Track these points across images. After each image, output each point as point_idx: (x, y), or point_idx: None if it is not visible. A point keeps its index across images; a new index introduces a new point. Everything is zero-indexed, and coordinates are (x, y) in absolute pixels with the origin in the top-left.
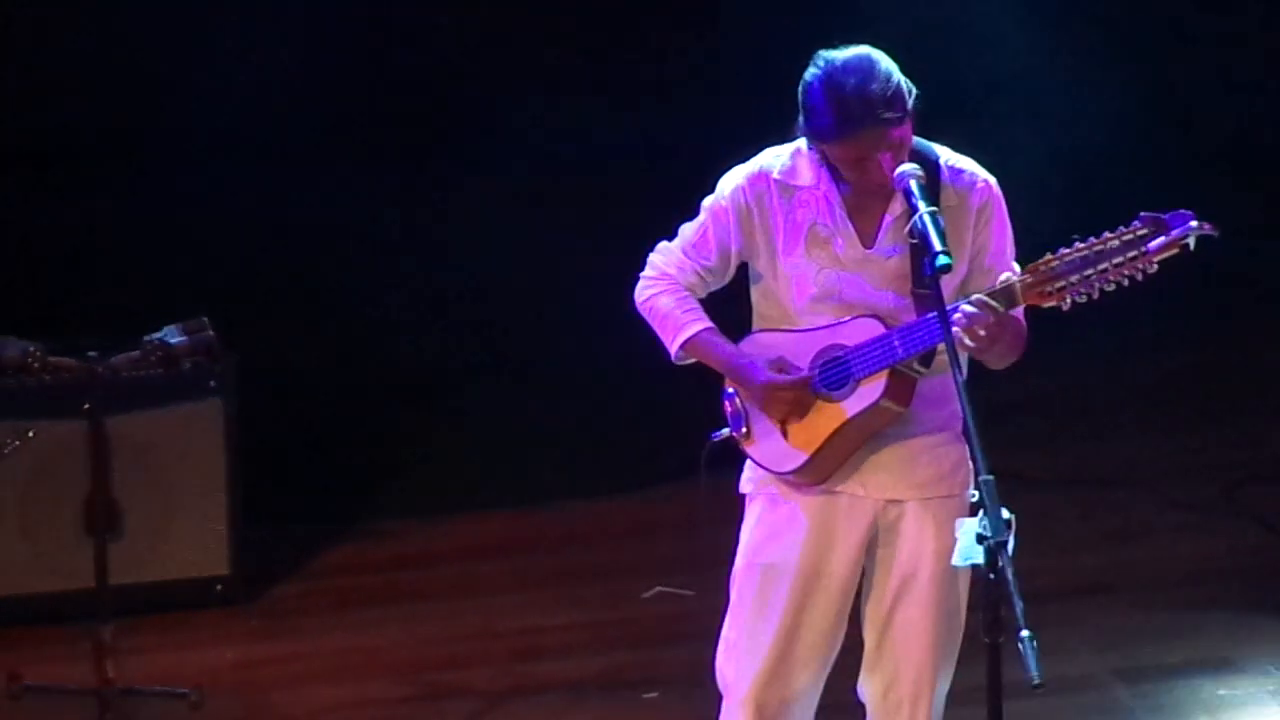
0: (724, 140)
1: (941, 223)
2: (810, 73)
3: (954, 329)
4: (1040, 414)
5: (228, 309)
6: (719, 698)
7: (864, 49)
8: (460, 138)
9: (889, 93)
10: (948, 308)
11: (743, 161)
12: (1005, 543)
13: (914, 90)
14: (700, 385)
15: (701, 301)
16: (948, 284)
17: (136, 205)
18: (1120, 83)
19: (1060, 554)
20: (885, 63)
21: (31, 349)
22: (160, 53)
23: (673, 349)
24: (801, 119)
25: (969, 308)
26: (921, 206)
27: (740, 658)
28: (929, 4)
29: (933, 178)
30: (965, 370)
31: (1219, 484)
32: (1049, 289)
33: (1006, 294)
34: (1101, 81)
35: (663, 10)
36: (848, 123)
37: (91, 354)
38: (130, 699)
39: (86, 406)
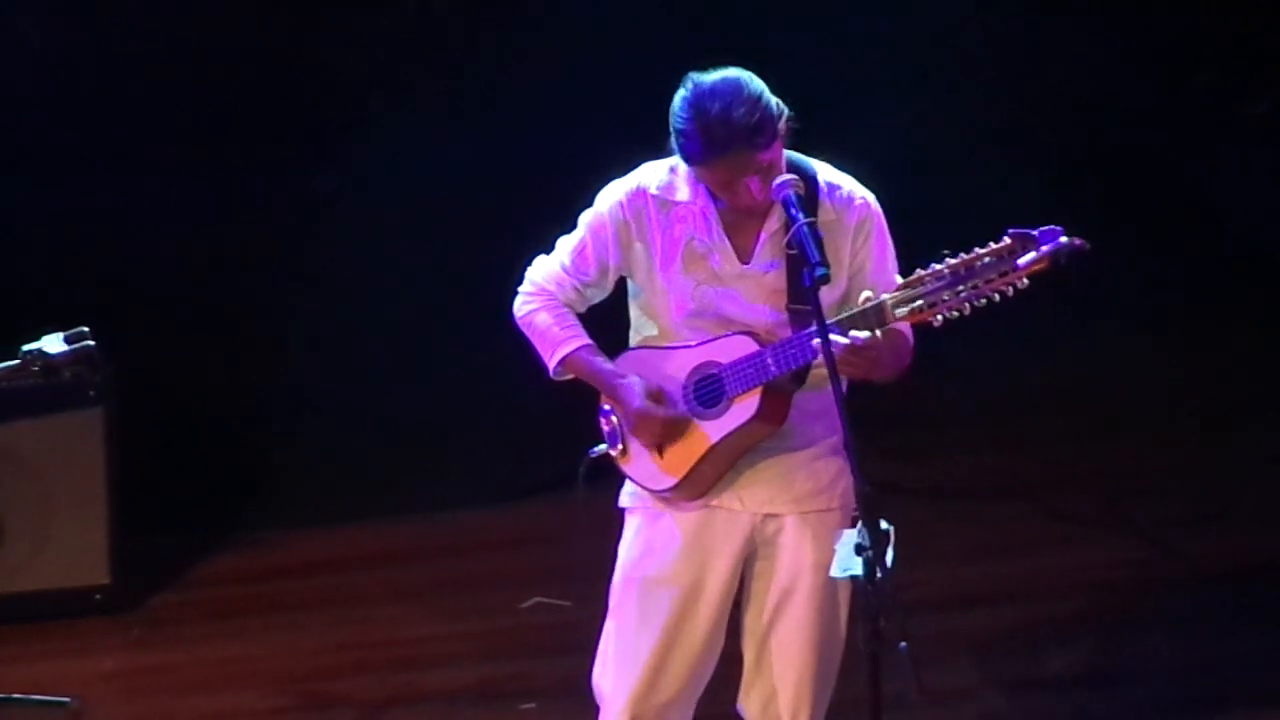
0: (602, 154)
1: (820, 234)
2: (679, 95)
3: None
4: (921, 426)
5: (107, 319)
6: (596, 709)
7: (733, 72)
8: (343, 147)
9: (755, 117)
10: (823, 326)
11: (621, 176)
12: (884, 554)
13: (785, 111)
14: (578, 398)
15: (581, 316)
16: (826, 299)
17: (15, 212)
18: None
19: (940, 566)
20: (754, 85)
21: None
22: (46, 60)
23: (550, 365)
24: (671, 140)
25: (841, 340)
26: (801, 217)
27: (617, 670)
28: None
29: (811, 193)
30: (845, 383)
31: (1099, 496)
32: (920, 306)
33: (876, 313)
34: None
35: (535, 22)
36: (713, 147)
37: None
38: (9, 708)
39: None
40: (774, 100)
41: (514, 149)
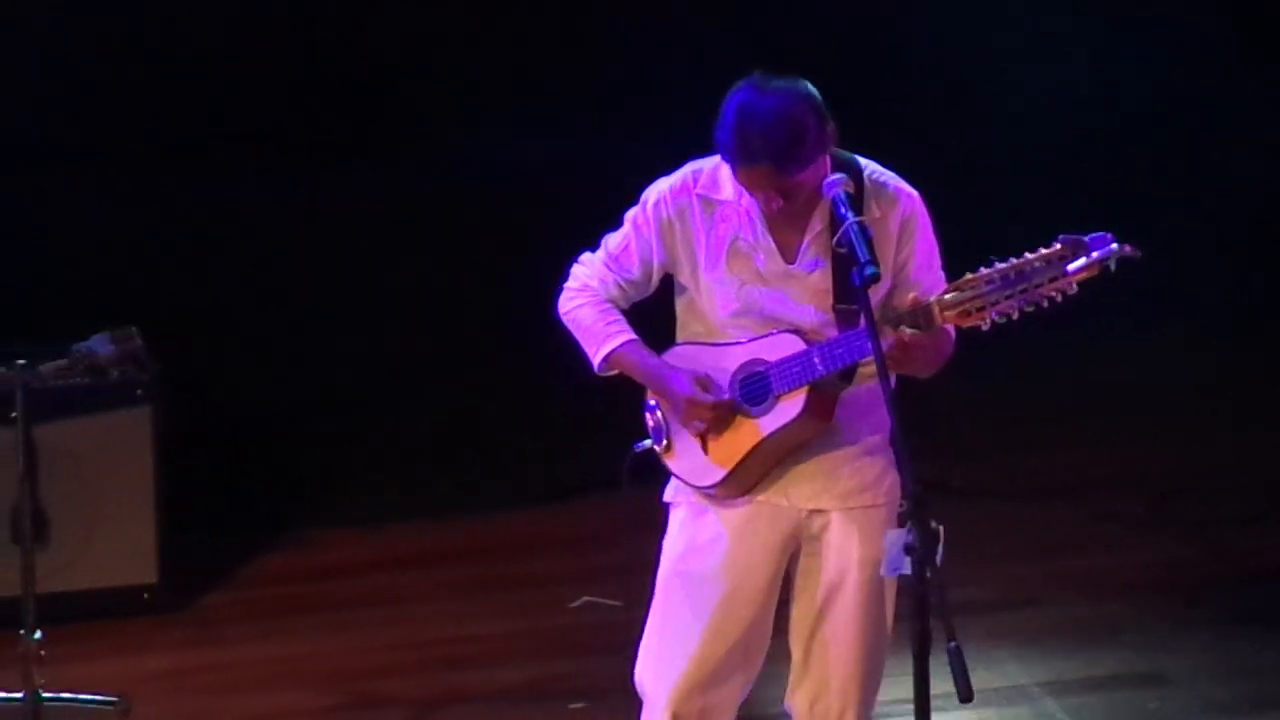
0: (648, 151)
1: (870, 233)
2: (732, 92)
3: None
4: (969, 424)
5: (155, 319)
6: (641, 706)
7: (789, 86)
8: (385, 147)
9: (792, 141)
10: (869, 325)
11: (667, 173)
12: (933, 553)
13: (830, 125)
14: (625, 395)
15: (625, 312)
16: (871, 297)
17: (65, 213)
18: None
19: (988, 565)
20: (805, 106)
21: None
22: (93, 62)
23: (595, 361)
24: (716, 133)
25: (889, 338)
26: (851, 216)
27: (660, 666)
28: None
29: (858, 189)
30: (893, 380)
31: (1147, 496)
32: (968, 309)
33: (924, 314)
34: None
35: (585, 20)
36: (742, 157)
37: (19, 362)
38: (58, 707)
39: (14, 415)
40: (820, 120)
41: (562, 147)
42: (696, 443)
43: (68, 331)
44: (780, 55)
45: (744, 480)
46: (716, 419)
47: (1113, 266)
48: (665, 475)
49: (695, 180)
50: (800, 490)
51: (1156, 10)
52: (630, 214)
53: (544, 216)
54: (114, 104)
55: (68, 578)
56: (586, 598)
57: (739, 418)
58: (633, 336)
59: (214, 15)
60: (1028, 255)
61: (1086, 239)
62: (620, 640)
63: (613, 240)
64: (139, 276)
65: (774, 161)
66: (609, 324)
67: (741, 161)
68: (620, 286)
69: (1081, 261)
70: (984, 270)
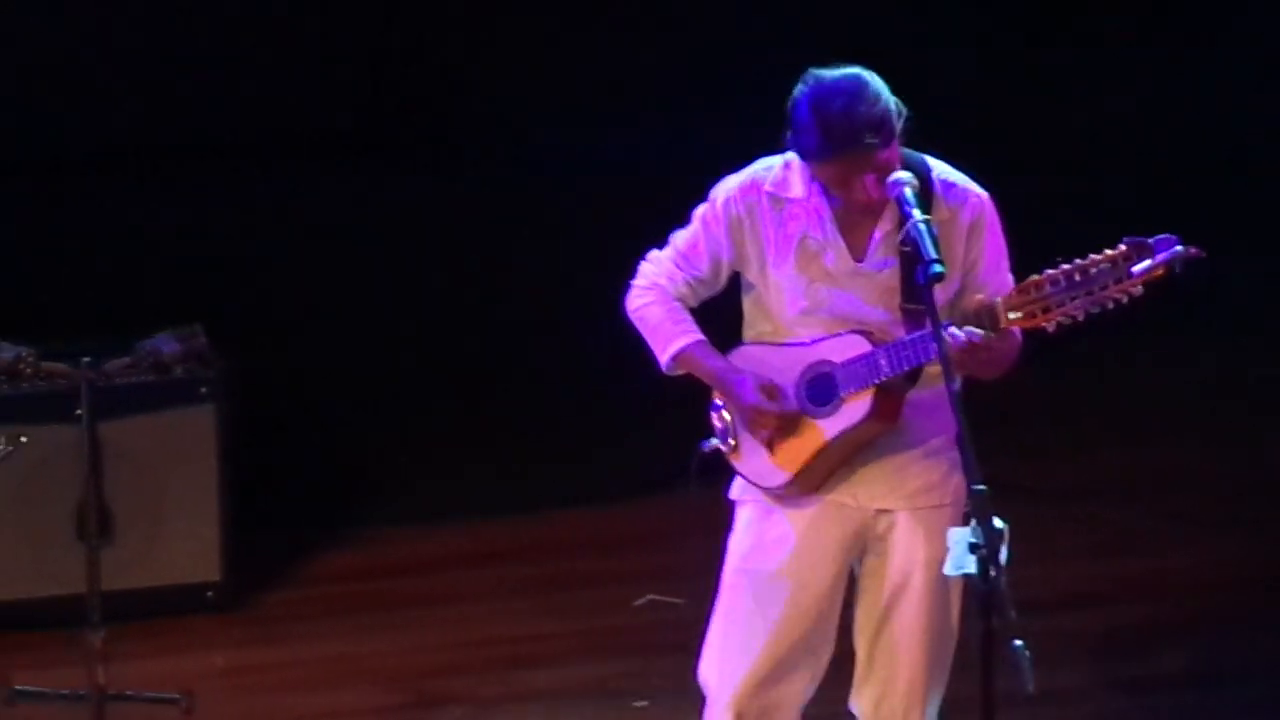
0: (717, 149)
1: (935, 231)
2: (799, 90)
3: (939, 351)
4: (1035, 424)
5: (219, 317)
6: (705, 704)
7: (854, 70)
8: (458, 144)
9: (875, 116)
10: (937, 325)
11: (735, 171)
12: (998, 552)
13: (904, 111)
14: (691, 393)
15: (693, 310)
16: (939, 298)
17: (132, 212)
18: None
19: (1054, 564)
20: (874, 84)
21: (24, 353)
22: (157, 64)
23: (663, 360)
24: (789, 135)
25: (956, 331)
26: (916, 214)
27: (724, 664)
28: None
29: (925, 190)
30: (960, 381)
31: (1214, 496)
32: (1033, 310)
33: (989, 315)
34: None
35: (656, 19)
36: (832, 144)
37: (85, 359)
38: (121, 704)
39: (79, 412)
40: (893, 100)
41: (630, 145)
42: (759, 444)
43: (133, 329)
44: (850, 54)
45: (810, 481)
46: (781, 422)
47: (1178, 268)
48: (731, 473)
49: (765, 178)
50: (867, 490)
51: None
52: (699, 211)
53: (607, 212)
54: (179, 103)
55: (132, 575)
56: (649, 596)
57: (805, 419)
58: (700, 337)
59: (280, 13)
60: (1092, 257)
61: (1151, 241)
62: (683, 639)
63: (681, 238)
64: (204, 275)
65: (867, 139)
66: (677, 323)
67: (829, 151)
68: (689, 284)
69: (1146, 263)
70: (1049, 272)
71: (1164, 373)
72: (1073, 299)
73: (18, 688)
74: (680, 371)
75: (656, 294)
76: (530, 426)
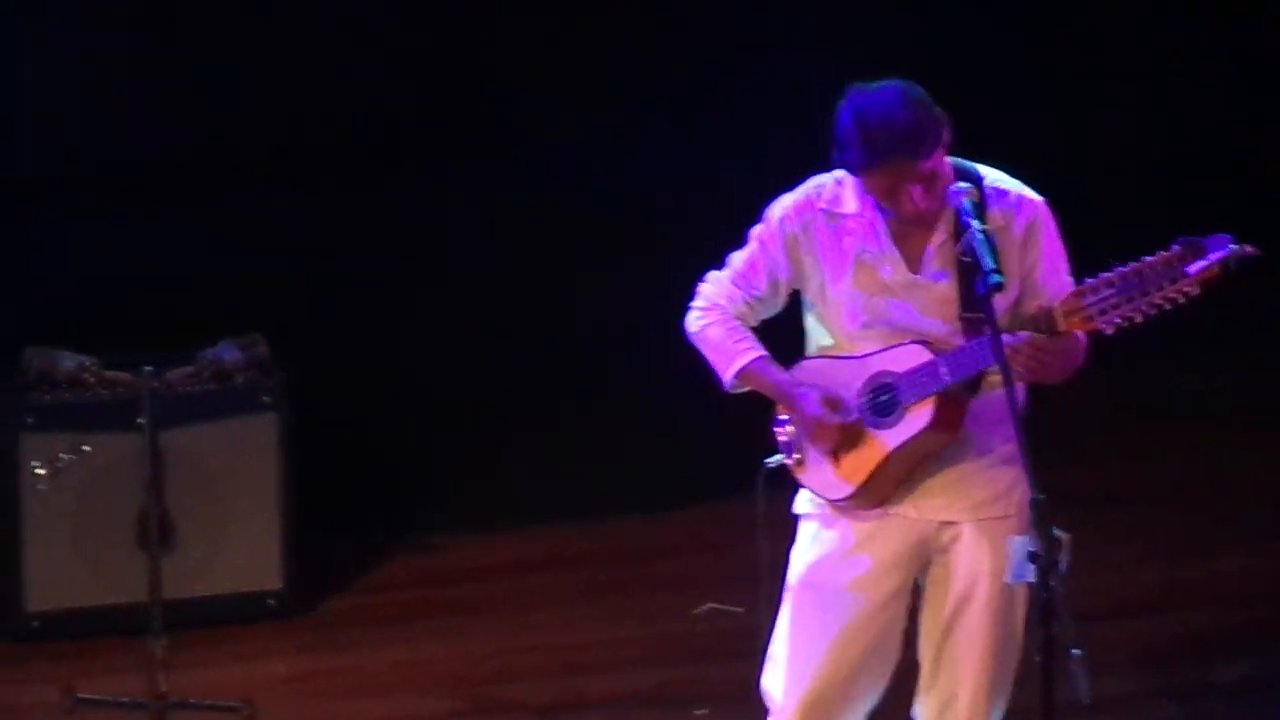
0: (770, 168)
1: (994, 241)
2: (841, 105)
3: (999, 359)
4: (1093, 432)
5: (280, 325)
6: (766, 714)
7: (895, 81)
8: (512, 156)
9: (915, 125)
10: (996, 334)
11: (789, 189)
12: (1058, 561)
13: (947, 121)
14: (752, 406)
15: (754, 329)
16: (998, 305)
17: (191, 221)
18: None
19: (1113, 572)
20: (915, 94)
21: (87, 363)
22: (219, 70)
23: (726, 378)
24: (834, 150)
25: (1015, 337)
26: (974, 225)
27: (788, 676)
28: None
29: (979, 198)
30: (1022, 388)
31: (1271, 502)
32: (1090, 314)
33: (1047, 320)
34: None
35: (703, 37)
36: (874, 154)
37: (147, 368)
38: (183, 712)
39: (141, 421)
40: (935, 109)
41: (686, 162)
42: (827, 457)
43: (195, 339)
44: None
45: (874, 493)
46: (844, 435)
47: (1232, 266)
48: (794, 487)
49: (819, 195)
50: (931, 502)
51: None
52: (755, 231)
53: (673, 225)
54: (238, 112)
55: (194, 583)
56: (710, 605)
57: (869, 431)
58: (763, 353)
59: (340, 19)
60: (1146, 259)
61: (1204, 240)
62: (744, 647)
63: (739, 258)
64: (264, 284)
65: (908, 148)
66: (738, 341)
67: (871, 161)
68: (748, 303)
69: (1201, 263)
70: (1104, 275)
71: (1219, 378)
72: (1129, 301)
73: (81, 695)
74: (744, 389)
75: (717, 314)
76: (592, 435)
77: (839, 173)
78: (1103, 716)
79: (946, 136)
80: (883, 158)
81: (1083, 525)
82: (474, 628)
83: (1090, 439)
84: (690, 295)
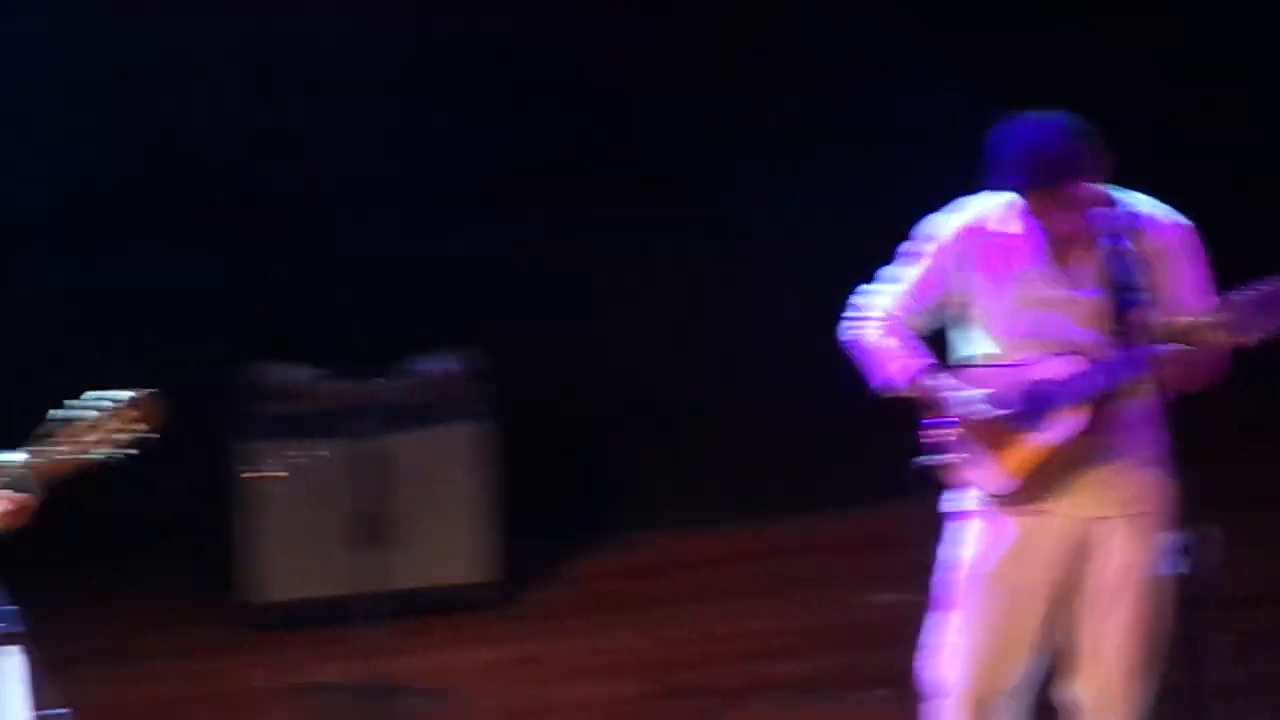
0: (931, 187)
1: (1142, 261)
2: (1002, 129)
3: (1147, 368)
4: (1233, 435)
5: (493, 337)
6: (936, 698)
7: (1057, 113)
8: (710, 186)
9: (1073, 152)
10: (1144, 345)
11: (949, 208)
12: (1203, 555)
13: (1104, 152)
14: (911, 409)
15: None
16: (1146, 319)
17: (414, 242)
18: None
19: (1260, 564)
20: (1067, 124)
21: (317, 375)
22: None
23: (891, 383)
24: (998, 174)
25: (1162, 349)
26: (1124, 246)
27: (964, 660)
28: None
29: (1129, 222)
30: (1169, 393)
31: None
32: (1235, 328)
33: (1191, 333)
34: None
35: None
36: (1033, 178)
37: (372, 380)
38: (398, 696)
39: (364, 428)
40: (1093, 140)
41: (862, 173)
42: (988, 456)
43: (414, 351)
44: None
45: (1033, 490)
46: (1005, 433)
47: None
48: (952, 486)
49: (980, 215)
50: (1085, 499)
51: None
52: (919, 247)
53: (837, 244)
54: (461, 136)
55: (408, 576)
56: (881, 595)
57: (1026, 433)
58: (929, 360)
59: (570, 48)
60: None
61: None
62: (912, 635)
63: (903, 273)
64: (477, 300)
65: (1061, 174)
66: (904, 348)
67: (1030, 184)
68: (913, 315)
69: None
70: (1247, 291)
71: None
72: (1269, 316)
73: (306, 681)
74: (911, 393)
75: (882, 324)
76: (775, 439)
77: (1003, 194)
78: (1246, 698)
79: (1102, 166)
80: (1041, 182)
81: (1226, 522)
82: (666, 617)
83: (1230, 442)
84: (847, 307)
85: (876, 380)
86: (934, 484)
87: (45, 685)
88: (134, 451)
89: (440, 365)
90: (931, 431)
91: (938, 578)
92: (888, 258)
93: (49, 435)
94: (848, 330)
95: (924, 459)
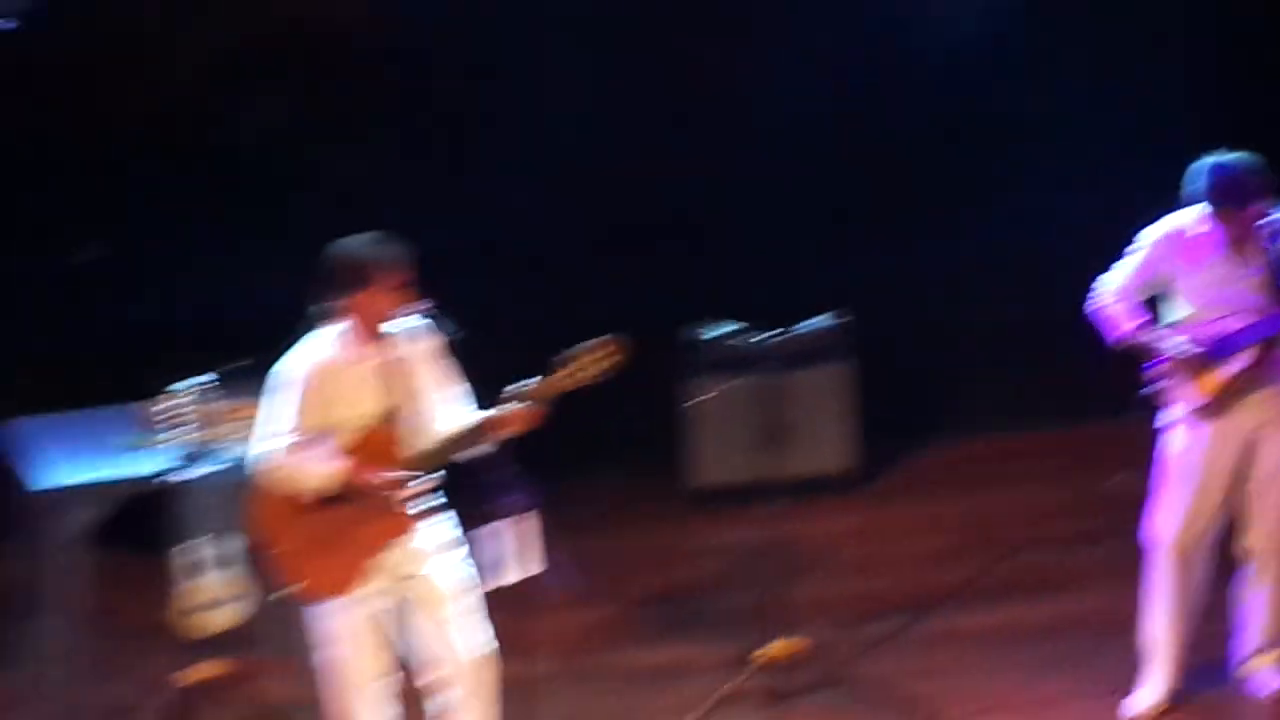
0: (1146, 202)
1: None
2: (1208, 161)
3: None
4: None
5: (860, 301)
6: (1154, 548)
7: (1245, 154)
8: (984, 199)
9: (1248, 184)
10: None
11: (1155, 222)
12: None
13: (1273, 184)
14: (1130, 356)
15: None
16: None
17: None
18: None
19: None
20: (1254, 164)
21: (737, 330)
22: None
23: (1119, 338)
24: (1195, 192)
25: None
26: (1277, 244)
27: (1168, 520)
28: None
29: None
30: None
31: None
32: None
33: None
34: None
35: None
36: (1227, 199)
37: (775, 333)
38: (789, 550)
39: (766, 366)
40: (1267, 176)
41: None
42: (1189, 383)
43: (802, 314)
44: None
45: (1219, 404)
46: (1200, 369)
47: None
48: (1166, 404)
49: (1182, 222)
50: (1254, 411)
51: None
52: (1139, 244)
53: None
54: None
55: (797, 466)
56: (1119, 476)
57: (1215, 366)
58: (1144, 319)
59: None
60: None
61: None
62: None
63: (1130, 262)
64: (843, 270)
65: (1246, 198)
66: (1129, 314)
67: (1223, 202)
68: (1136, 289)
69: None
70: None
71: None
72: None
73: (727, 541)
74: (1136, 342)
75: (1109, 299)
76: (1064, 371)
77: (1195, 209)
78: None
79: (1269, 193)
80: (1241, 204)
81: None
82: (985, 493)
83: None
84: (1092, 285)
85: (1112, 336)
86: (1154, 404)
87: (548, 543)
88: (609, 378)
89: (819, 323)
90: (1152, 369)
91: (1156, 466)
92: (1120, 253)
93: (554, 368)
94: (1091, 302)
95: (1148, 387)
